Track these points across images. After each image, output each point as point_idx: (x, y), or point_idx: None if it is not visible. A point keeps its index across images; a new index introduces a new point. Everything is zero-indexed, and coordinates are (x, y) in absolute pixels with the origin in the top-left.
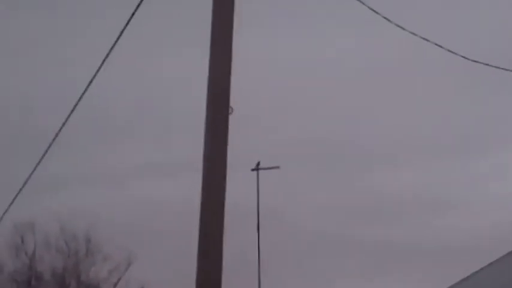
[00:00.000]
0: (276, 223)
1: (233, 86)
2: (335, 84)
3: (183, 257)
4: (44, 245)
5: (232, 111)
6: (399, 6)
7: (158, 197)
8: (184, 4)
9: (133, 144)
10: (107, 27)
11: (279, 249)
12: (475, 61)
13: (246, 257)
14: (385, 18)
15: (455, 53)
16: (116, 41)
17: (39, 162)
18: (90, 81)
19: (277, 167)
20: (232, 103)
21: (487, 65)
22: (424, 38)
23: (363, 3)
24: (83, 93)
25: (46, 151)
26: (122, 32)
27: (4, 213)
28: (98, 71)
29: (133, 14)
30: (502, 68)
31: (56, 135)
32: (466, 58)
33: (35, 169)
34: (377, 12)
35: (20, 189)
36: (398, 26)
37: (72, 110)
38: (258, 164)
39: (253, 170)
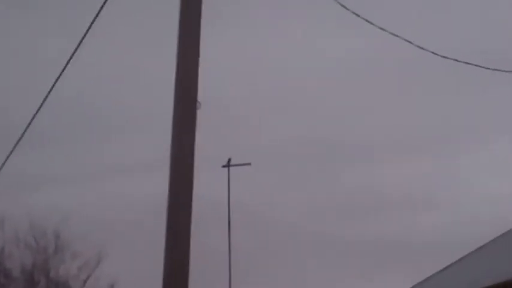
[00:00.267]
0: (249, 220)
1: (202, 81)
2: (313, 81)
3: (153, 254)
4: (13, 241)
5: (200, 106)
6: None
7: (129, 194)
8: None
9: (104, 142)
10: (72, 26)
11: (250, 245)
12: (444, 57)
13: (216, 253)
14: (354, 13)
15: (425, 49)
16: (82, 40)
17: (7, 158)
18: (57, 79)
19: (249, 164)
20: (200, 98)
21: (456, 60)
22: (393, 34)
23: None
24: (50, 91)
25: (14, 147)
26: (87, 31)
27: None
28: (64, 68)
29: (98, 12)
30: (473, 64)
31: (25, 130)
32: (436, 54)
33: (3, 165)
34: (346, 8)
35: None
36: (367, 21)
37: (40, 107)
38: (229, 160)
39: (224, 166)
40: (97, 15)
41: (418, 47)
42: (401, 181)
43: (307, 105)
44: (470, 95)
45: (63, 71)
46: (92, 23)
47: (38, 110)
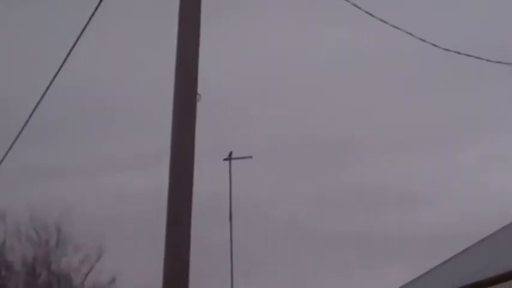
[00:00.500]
0: (251, 214)
1: (203, 73)
2: (314, 76)
3: (154, 248)
4: (15, 234)
5: (200, 98)
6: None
7: (130, 187)
8: None
9: (106, 136)
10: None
11: (252, 239)
12: (445, 49)
13: (217, 246)
14: (354, 5)
15: (426, 41)
16: (81, 33)
17: (8, 151)
18: (57, 72)
19: (250, 157)
20: (200, 90)
21: (457, 53)
22: (394, 26)
23: None
24: (50, 84)
25: (15, 140)
26: (86, 25)
27: None
28: (64, 61)
29: (98, 4)
30: (475, 57)
31: (25, 123)
32: (437, 46)
33: (3, 158)
34: (347, 0)
35: None
36: (368, 13)
37: (39, 101)
38: (231, 153)
39: (225, 159)
40: (97, 7)
41: (420, 39)
42: (401, 177)
43: (308, 100)
44: (471, 91)
45: (62, 64)
46: (92, 16)
47: (38, 103)
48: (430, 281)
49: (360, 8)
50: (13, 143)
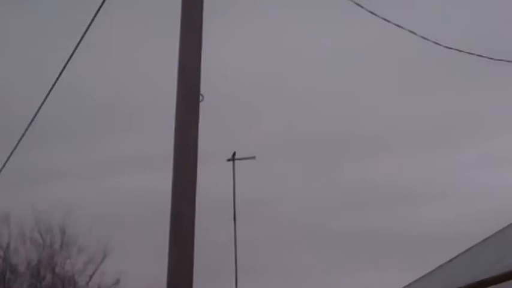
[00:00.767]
0: (255, 214)
1: (205, 74)
2: (316, 75)
3: (158, 249)
4: (19, 237)
5: (203, 98)
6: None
7: (134, 189)
8: None
9: (110, 137)
10: (73, 22)
11: (255, 239)
12: (447, 47)
13: (221, 247)
14: (357, 4)
15: (428, 39)
16: (84, 34)
17: (12, 152)
18: (60, 74)
19: (253, 158)
20: (203, 91)
21: (460, 51)
22: (397, 25)
23: None
24: (52, 86)
25: (18, 142)
26: (88, 26)
27: None
28: (67, 62)
29: (101, 4)
30: (476, 55)
31: (28, 126)
32: (439, 44)
33: (7, 160)
34: None
35: None
36: (370, 12)
37: (42, 104)
38: (234, 154)
39: (228, 160)
40: (99, 8)
41: (422, 37)
42: (402, 177)
43: (310, 100)
44: (474, 88)
45: (65, 66)
46: (95, 16)
47: (41, 106)
48: (435, 279)
49: (362, 7)
50: (16, 145)
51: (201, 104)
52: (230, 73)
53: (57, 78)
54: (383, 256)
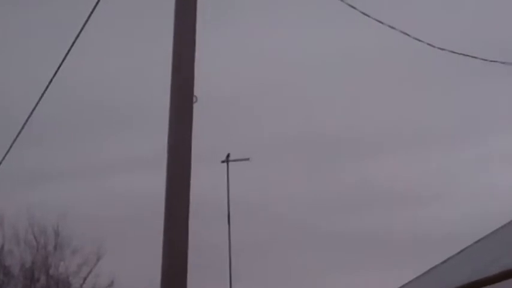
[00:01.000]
0: (249, 215)
1: (199, 75)
2: (311, 75)
3: (152, 250)
4: (13, 238)
5: (196, 100)
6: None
7: (128, 190)
8: None
9: (103, 138)
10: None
11: (249, 240)
12: (441, 49)
13: (215, 248)
14: (350, 6)
15: (421, 41)
16: (79, 34)
17: (6, 154)
18: (55, 73)
19: (247, 159)
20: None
21: (452, 52)
22: (390, 26)
23: None
24: (47, 87)
25: (12, 143)
26: (83, 26)
27: None
28: (62, 62)
29: (96, 4)
30: (471, 56)
31: (22, 127)
32: (432, 46)
33: (1, 161)
34: (342, 0)
35: None
36: (363, 13)
37: (36, 104)
38: (228, 155)
39: (223, 161)
40: (94, 7)
41: (415, 39)
42: (403, 176)
43: (305, 100)
44: (470, 89)
45: (60, 65)
46: (90, 15)
47: (35, 106)
48: (430, 280)
49: (355, 8)
50: (11, 145)
51: (194, 105)
52: (224, 74)
53: (52, 78)
54: (383, 256)
